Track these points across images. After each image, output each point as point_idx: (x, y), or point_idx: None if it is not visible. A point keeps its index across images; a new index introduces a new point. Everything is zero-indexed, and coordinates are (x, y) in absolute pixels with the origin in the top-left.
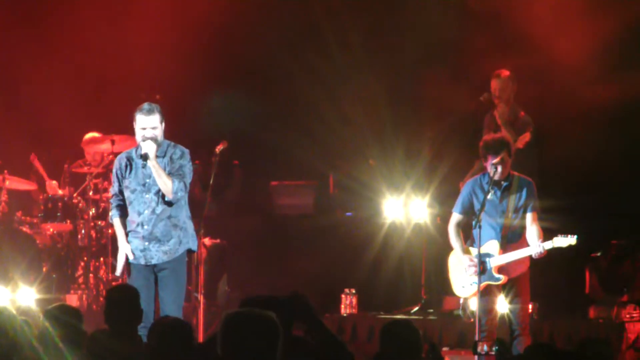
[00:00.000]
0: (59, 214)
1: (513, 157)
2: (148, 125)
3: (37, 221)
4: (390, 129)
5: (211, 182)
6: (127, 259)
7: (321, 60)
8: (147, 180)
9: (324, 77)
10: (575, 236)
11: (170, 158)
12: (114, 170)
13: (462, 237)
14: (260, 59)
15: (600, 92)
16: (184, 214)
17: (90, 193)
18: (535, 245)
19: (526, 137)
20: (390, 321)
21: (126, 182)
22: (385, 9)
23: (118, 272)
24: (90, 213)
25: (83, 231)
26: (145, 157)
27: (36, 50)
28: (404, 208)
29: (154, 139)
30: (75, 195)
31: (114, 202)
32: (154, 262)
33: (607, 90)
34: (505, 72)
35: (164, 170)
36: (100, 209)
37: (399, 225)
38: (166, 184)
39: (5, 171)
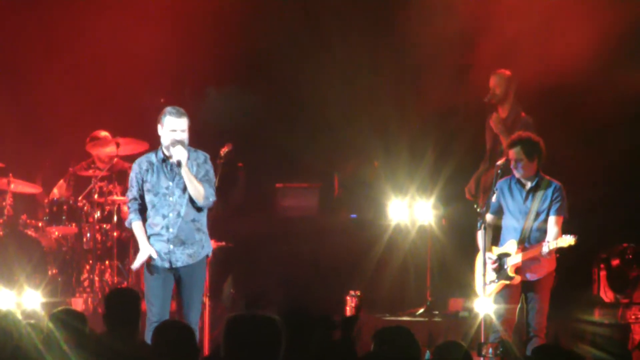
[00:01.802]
0: (64, 217)
1: (543, 159)
2: (179, 127)
3: (42, 224)
4: (394, 130)
5: (216, 184)
6: (149, 259)
7: (325, 62)
8: (171, 183)
9: (327, 79)
10: (575, 236)
11: (196, 162)
12: (132, 175)
13: (490, 235)
14: (264, 61)
15: (604, 92)
16: (205, 218)
17: (96, 196)
18: (544, 244)
19: None
20: (382, 328)
21: (147, 186)
22: (388, 10)
23: (135, 266)
24: (96, 216)
25: (88, 234)
26: (179, 164)
27: (40, 53)
28: (408, 210)
29: (182, 143)
30: (80, 198)
31: (132, 206)
32: (179, 264)
33: (612, 90)
34: (504, 71)
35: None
36: (106, 212)
37: (403, 227)
38: (198, 190)
39: (10, 174)
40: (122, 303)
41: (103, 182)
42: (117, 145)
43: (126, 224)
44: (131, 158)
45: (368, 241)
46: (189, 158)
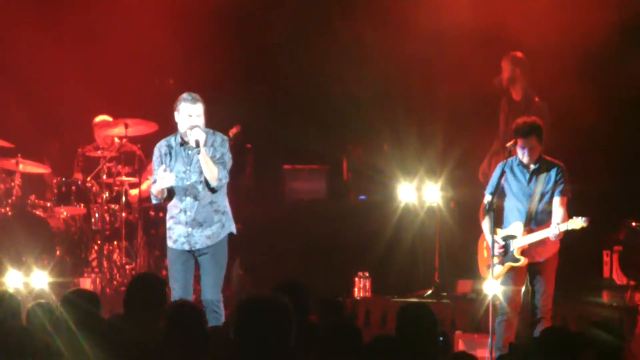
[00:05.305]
0: (72, 197)
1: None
2: (194, 113)
3: (51, 205)
4: (403, 113)
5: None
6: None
7: (332, 45)
8: (189, 167)
9: (334, 61)
10: (587, 218)
11: (212, 145)
12: (154, 159)
13: (493, 218)
14: (273, 44)
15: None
16: (224, 199)
17: (104, 177)
18: (552, 226)
19: None
20: (408, 303)
21: (163, 168)
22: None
23: (171, 179)
24: (104, 197)
25: (97, 215)
26: (197, 144)
27: (48, 34)
28: (417, 192)
29: (199, 127)
30: (88, 179)
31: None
32: (198, 247)
33: (626, 70)
34: (515, 53)
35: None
36: (114, 193)
37: (412, 208)
38: (212, 172)
39: (19, 155)
40: (144, 287)
41: (111, 162)
42: (126, 126)
43: (153, 201)
44: (140, 139)
45: (377, 223)
46: (206, 141)
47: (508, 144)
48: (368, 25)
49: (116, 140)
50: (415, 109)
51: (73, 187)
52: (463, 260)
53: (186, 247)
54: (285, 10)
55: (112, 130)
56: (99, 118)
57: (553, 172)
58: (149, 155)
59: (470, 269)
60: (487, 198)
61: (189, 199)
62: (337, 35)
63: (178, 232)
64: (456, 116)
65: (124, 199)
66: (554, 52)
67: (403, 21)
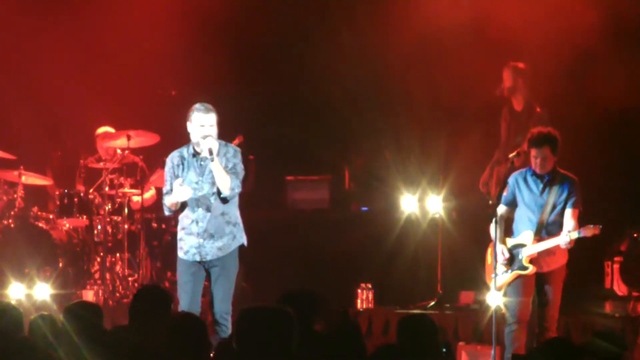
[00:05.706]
0: (74, 209)
1: (558, 153)
2: (207, 122)
3: (53, 216)
4: (405, 124)
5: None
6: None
7: (334, 55)
8: (201, 178)
9: (336, 71)
10: (600, 226)
11: (225, 156)
12: (166, 169)
13: (502, 227)
14: (275, 54)
15: (614, 81)
16: (236, 210)
17: (106, 188)
18: (563, 234)
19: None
20: (409, 315)
21: (179, 181)
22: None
23: (188, 192)
24: (107, 208)
25: (99, 226)
26: (211, 152)
27: (51, 45)
28: (419, 203)
29: (212, 137)
30: (91, 190)
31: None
32: (209, 258)
33: (621, 80)
34: (516, 63)
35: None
36: (116, 204)
37: (414, 219)
38: (225, 181)
39: (22, 166)
40: (150, 299)
41: (114, 174)
42: (128, 137)
43: (166, 212)
44: (142, 151)
45: (379, 234)
46: (218, 152)
47: (510, 155)
48: (368, 32)
49: (118, 151)
50: (417, 119)
51: (75, 199)
52: (465, 271)
53: (197, 258)
54: (287, 19)
55: (115, 141)
56: (101, 130)
57: (566, 185)
58: (151, 166)
59: (472, 280)
60: (500, 208)
61: (200, 210)
62: (337, 43)
63: (189, 243)
64: (458, 126)
65: (126, 210)
66: (554, 52)
67: (405, 28)
